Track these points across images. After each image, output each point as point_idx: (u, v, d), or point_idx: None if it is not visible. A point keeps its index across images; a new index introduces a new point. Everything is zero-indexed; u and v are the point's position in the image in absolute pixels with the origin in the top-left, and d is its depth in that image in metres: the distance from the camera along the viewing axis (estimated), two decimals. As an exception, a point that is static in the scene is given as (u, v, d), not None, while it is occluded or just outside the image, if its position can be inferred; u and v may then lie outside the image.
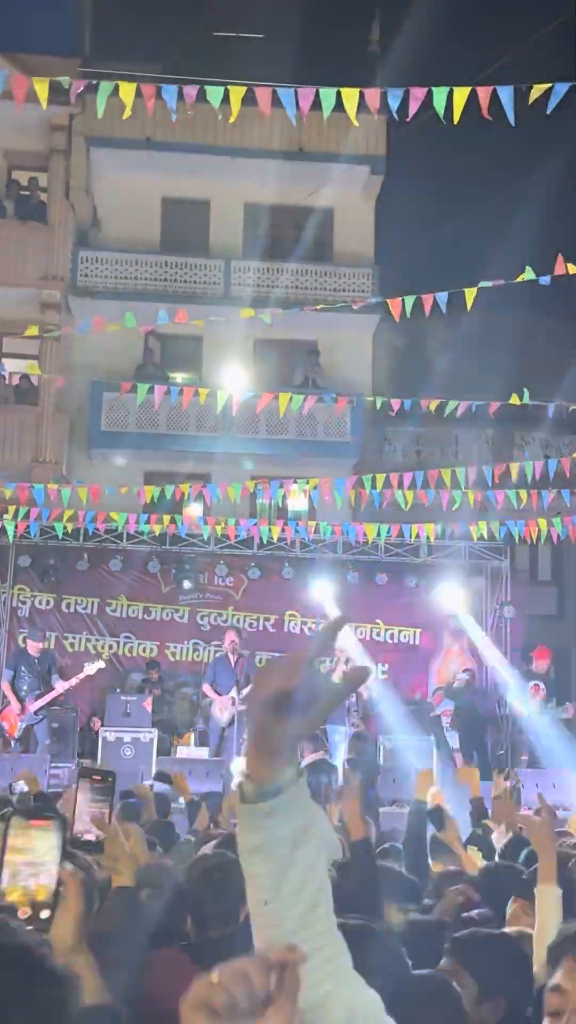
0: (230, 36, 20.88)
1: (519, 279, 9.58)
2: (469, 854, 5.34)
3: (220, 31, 21.73)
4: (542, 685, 13.98)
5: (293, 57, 20.26)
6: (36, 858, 1.63)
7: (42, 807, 6.52)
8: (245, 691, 13.89)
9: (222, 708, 13.73)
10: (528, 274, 10.01)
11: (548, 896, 3.51)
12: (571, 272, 9.83)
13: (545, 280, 10.04)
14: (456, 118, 6.23)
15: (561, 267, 9.79)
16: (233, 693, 13.74)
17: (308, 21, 22.12)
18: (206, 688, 14.00)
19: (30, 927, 1.56)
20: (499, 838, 5.62)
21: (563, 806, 11.90)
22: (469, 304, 10.20)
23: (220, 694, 13.77)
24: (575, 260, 9.85)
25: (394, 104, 6.56)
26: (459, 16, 22.38)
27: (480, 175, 22.94)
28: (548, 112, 5.86)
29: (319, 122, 17.73)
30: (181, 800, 7.74)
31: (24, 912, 1.58)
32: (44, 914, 1.60)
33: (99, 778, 2.85)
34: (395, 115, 6.72)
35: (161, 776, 7.95)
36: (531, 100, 5.80)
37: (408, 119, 6.61)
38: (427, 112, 6.57)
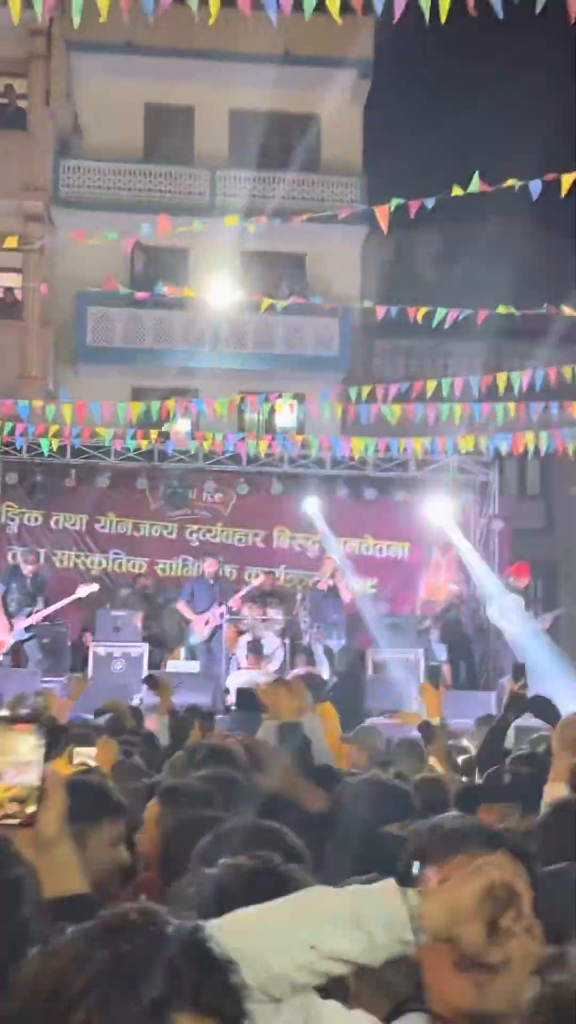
0: None
1: (507, 184, 9.33)
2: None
3: None
4: (521, 599, 14.06)
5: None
6: (20, 759, 1.78)
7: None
8: (231, 600, 14.07)
9: (199, 624, 13.96)
10: (513, 183, 9.76)
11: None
12: (564, 182, 9.59)
13: (536, 187, 9.80)
14: (443, 17, 6.00)
15: (550, 176, 9.57)
16: (216, 608, 13.93)
17: None
18: (180, 606, 14.19)
19: (16, 820, 1.76)
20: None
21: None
22: (456, 192, 9.82)
23: (197, 612, 13.95)
24: (567, 164, 9.62)
25: (378, 3, 6.31)
26: None
27: (471, 78, 22.34)
28: (537, 10, 5.66)
29: (305, 25, 17.15)
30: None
31: (12, 807, 1.76)
32: (30, 809, 1.77)
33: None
34: (377, 13, 6.48)
35: (150, 680, 7.95)
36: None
37: (394, 20, 6.37)
38: (414, 11, 6.32)
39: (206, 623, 13.99)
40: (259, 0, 6.76)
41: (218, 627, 13.95)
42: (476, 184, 9.72)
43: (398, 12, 6.04)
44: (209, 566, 14.41)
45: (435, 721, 6.00)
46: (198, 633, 14.03)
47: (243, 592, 14.44)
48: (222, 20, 10.31)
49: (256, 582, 14.83)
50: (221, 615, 13.94)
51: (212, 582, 14.30)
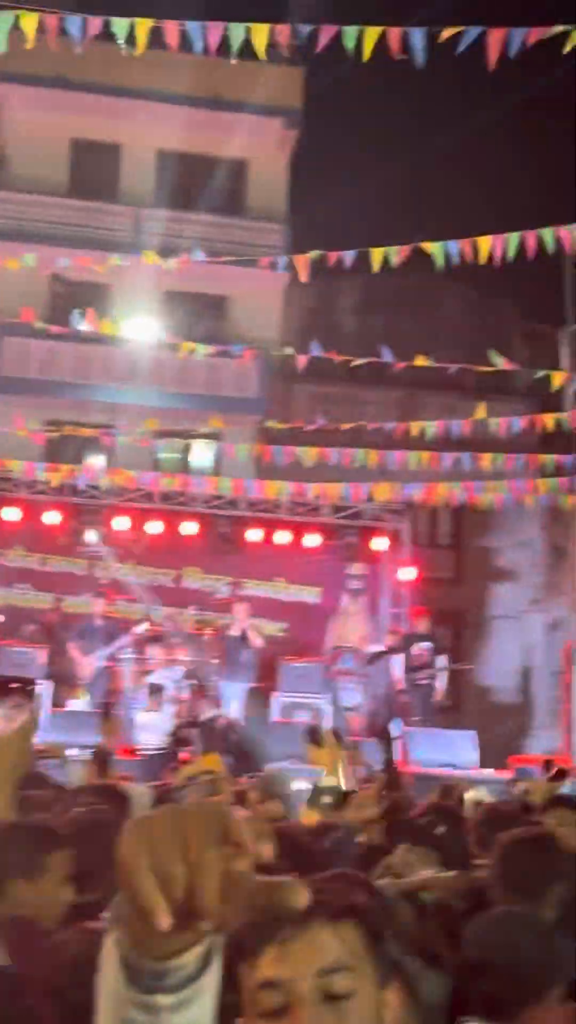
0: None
1: (425, 245, 9.52)
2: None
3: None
4: (430, 646, 14.07)
5: None
6: None
7: None
8: (115, 644, 13.78)
9: (86, 665, 13.72)
10: (434, 248, 9.97)
11: None
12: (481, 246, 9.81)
13: (454, 248, 10.00)
14: (366, 56, 6.10)
15: (468, 245, 9.80)
16: (100, 651, 13.69)
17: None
18: (69, 646, 13.89)
19: None
20: None
21: (452, 765, 12.13)
22: (376, 266, 10.12)
23: (85, 654, 13.70)
24: (487, 223, 9.84)
25: (303, 34, 6.38)
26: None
27: (398, 131, 22.83)
28: (457, 52, 5.79)
29: (235, 71, 17.40)
30: None
31: None
32: None
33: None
34: (302, 51, 6.58)
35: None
36: (440, 39, 5.71)
37: (317, 49, 6.45)
38: (340, 57, 6.42)
39: (84, 667, 13.78)
40: (188, 40, 6.80)
41: (103, 668, 13.72)
42: (394, 252, 9.94)
43: (321, 44, 6.14)
44: (98, 606, 14.17)
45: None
46: (84, 674, 13.79)
47: (124, 640, 13.98)
48: (153, 60, 10.35)
49: (139, 628, 14.34)
50: (106, 656, 13.74)
51: (100, 623, 14.07)
